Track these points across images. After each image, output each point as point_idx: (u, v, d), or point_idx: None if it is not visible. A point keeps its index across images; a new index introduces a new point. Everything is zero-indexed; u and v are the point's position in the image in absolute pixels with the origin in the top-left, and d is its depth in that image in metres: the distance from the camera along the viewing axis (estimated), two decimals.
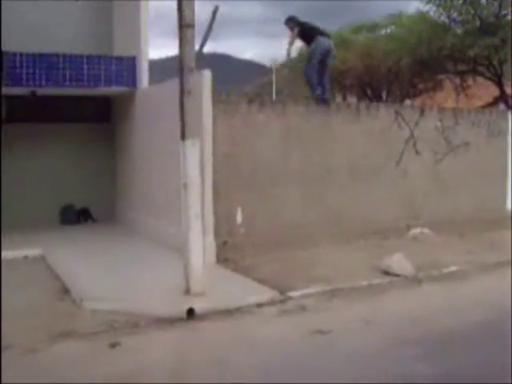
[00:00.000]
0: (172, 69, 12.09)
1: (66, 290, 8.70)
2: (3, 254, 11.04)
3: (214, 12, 9.10)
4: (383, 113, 12.36)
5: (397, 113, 12.49)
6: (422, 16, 23.74)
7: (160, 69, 13.79)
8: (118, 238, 12.93)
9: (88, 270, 9.79)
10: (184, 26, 7.63)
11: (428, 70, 23.51)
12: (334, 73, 27.45)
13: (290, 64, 34.64)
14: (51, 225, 14.34)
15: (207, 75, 9.79)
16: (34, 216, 14.08)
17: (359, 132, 11.96)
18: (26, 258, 11.15)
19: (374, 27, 30.33)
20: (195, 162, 7.84)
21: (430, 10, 21.84)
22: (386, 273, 9.40)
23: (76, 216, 14.93)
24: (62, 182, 14.73)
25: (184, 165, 7.83)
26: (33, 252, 11.35)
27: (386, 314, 7.68)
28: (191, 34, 7.71)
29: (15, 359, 6.16)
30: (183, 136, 7.78)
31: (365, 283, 8.93)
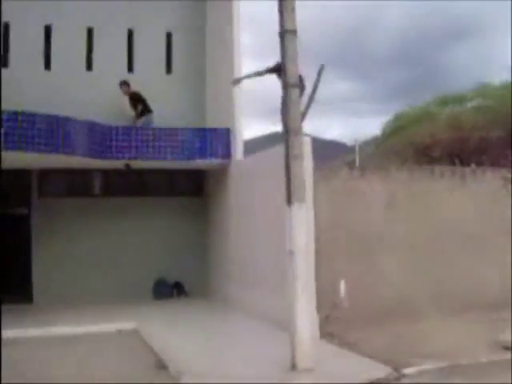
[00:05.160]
0: (262, 148, 12.00)
1: (162, 365, 8.33)
2: (99, 327, 10.96)
3: (320, 71, 8.83)
4: (490, 178, 11.73)
5: (505, 178, 11.82)
6: None
7: (249, 150, 13.68)
8: (213, 312, 12.57)
9: (184, 345, 9.42)
10: (289, 86, 7.38)
11: None
12: (420, 146, 27.02)
13: (374, 142, 34.36)
14: (144, 299, 14.13)
15: (307, 140, 9.44)
16: (127, 290, 13.93)
17: (465, 198, 11.36)
18: (119, 331, 10.91)
19: (460, 99, 29.86)
20: (302, 227, 7.43)
21: None
22: (507, 348, 8.59)
23: (169, 290, 14.67)
24: (154, 255, 14.58)
25: (290, 231, 7.43)
26: (127, 325, 11.12)
27: None
28: (296, 94, 7.45)
29: None
30: (289, 201, 7.41)
31: (484, 360, 8.17)
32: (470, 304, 10.98)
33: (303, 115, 8.03)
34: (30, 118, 11.17)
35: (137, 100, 13.95)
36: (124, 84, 14.08)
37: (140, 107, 13.85)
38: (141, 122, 13.74)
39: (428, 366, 7.84)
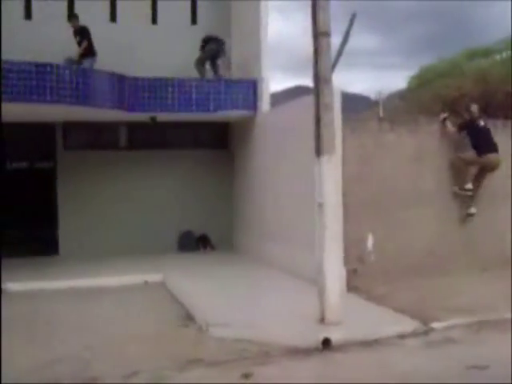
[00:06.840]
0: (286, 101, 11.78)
1: (189, 317, 8.37)
2: (124, 278, 11.01)
3: (352, 19, 8.54)
4: None
5: None
6: None
7: (277, 102, 13.44)
8: (239, 265, 12.55)
9: (211, 297, 9.41)
10: (320, 34, 7.17)
11: None
12: (447, 100, 26.56)
13: (399, 96, 33.78)
14: (170, 251, 14.23)
15: (337, 90, 9.20)
16: (152, 242, 14.01)
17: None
18: (146, 283, 11.02)
19: (488, 52, 29.21)
20: (331, 179, 7.29)
21: None
22: None
23: (195, 243, 14.70)
24: (180, 208, 14.61)
25: (319, 183, 7.30)
26: (153, 277, 11.19)
27: None
28: (327, 43, 7.23)
29: None
30: (319, 152, 7.26)
31: None
32: (498, 259, 10.85)
33: (334, 65, 7.81)
34: (53, 69, 11.06)
35: (83, 35, 12.85)
36: (73, 17, 13.22)
37: (85, 44, 12.73)
38: (84, 62, 12.60)
39: (457, 320, 7.72)
